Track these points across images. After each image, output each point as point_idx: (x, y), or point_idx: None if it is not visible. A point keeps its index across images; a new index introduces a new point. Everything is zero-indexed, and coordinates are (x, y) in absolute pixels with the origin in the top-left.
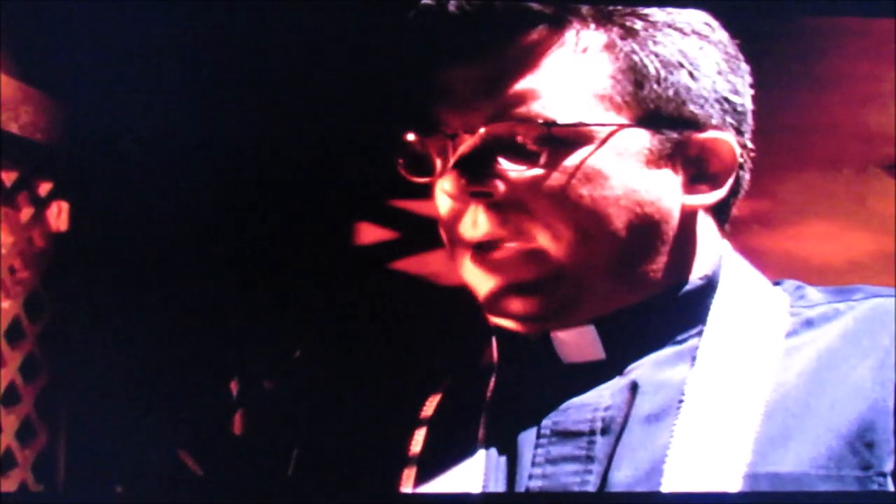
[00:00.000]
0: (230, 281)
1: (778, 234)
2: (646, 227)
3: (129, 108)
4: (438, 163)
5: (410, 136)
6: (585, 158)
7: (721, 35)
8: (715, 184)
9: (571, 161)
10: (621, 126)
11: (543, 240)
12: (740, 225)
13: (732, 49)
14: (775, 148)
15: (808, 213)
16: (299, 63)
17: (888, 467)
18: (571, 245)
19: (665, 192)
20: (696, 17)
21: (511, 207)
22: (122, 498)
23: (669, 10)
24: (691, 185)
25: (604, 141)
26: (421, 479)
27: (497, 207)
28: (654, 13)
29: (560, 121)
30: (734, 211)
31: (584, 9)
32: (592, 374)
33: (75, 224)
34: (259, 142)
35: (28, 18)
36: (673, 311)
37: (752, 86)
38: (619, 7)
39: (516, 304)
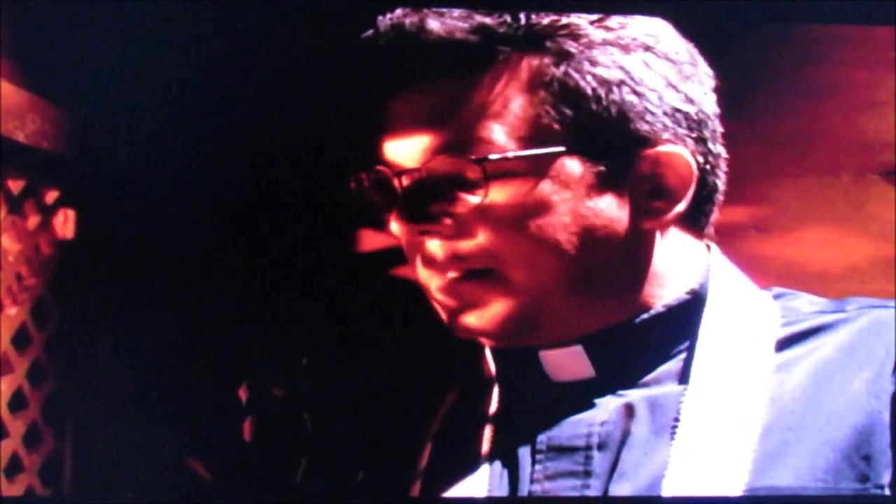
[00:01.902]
0: (238, 288)
1: (776, 241)
2: (601, 249)
3: (136, 117)
4: (387, 198)
5: (359, 174)
6: (527, 190)
7: (670, 44)
8: (674, 198)
9: (513, 193)
10: (560, 153)
11: (494, 265)
12: (739, 231)
13: (685, 56)
14: (774, 155)
15: (806, 220)
16: (303, 68)
17: (885, 479)
18: (522, 270)
19: (617, 212)
20: (642, 29)
21: (459, 239)
22: (128, 503)
23: (612, 24)
24: (649, 201)
25: (544, 169)
26: (426, 492)
27: (446, 240)
28: (593, 31)
29: (496, 153)
30: (715, 216)
31: (517, 37)
32: (586, 391)
33: (81, 231)
34: (268, 148)
35: (34, 27)
36: (661, 327)
37: (715, 89)
38: (555, 29)
39: (476, 325)
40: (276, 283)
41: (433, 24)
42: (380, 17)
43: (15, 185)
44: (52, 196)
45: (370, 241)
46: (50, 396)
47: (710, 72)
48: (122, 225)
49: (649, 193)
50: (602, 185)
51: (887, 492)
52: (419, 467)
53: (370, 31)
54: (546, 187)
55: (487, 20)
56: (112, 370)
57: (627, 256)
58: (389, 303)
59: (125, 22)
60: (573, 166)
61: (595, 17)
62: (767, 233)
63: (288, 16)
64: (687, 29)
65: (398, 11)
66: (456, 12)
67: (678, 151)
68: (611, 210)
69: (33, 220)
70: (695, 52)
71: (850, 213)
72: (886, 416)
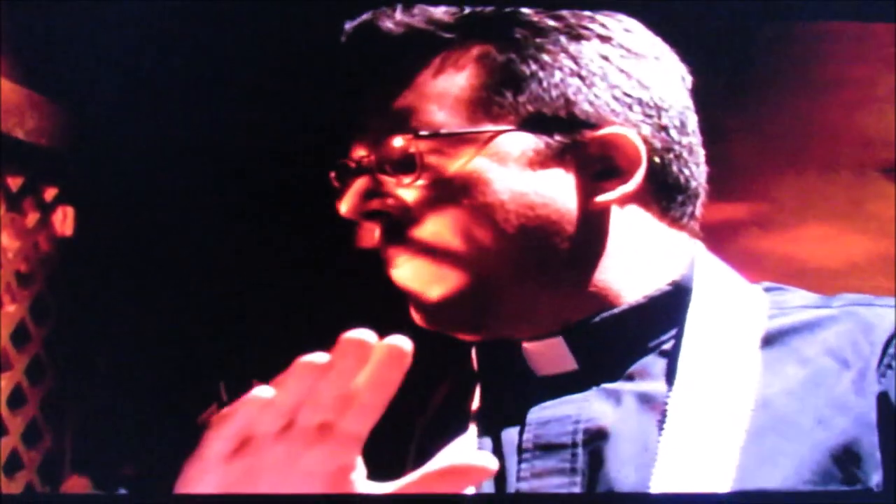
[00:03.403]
0: (234, 284)
1: (776, 237)
2: (547, 229)
3: (134, 114)
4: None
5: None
6: (462, 166)
7: (631, 38)
8: (623, 179)
9: (451, 171)
10: (497, 132)
11: (439, 251)
12: (738, 228)
13: (648, 50)
14: (773, 151)
15: (805, 216)
16: (300, 64)
17: (875, 481)
18: (466, 253)
19: (561, 192)
20: (600, 21)
21: (405, 223)
22: (126, 499)
23: (564, 14)
24: (597, 182)
25: (480, 147)
26: None
27: (393, 225)
28: (545, 21)
29: (430, 132)
30: (696, 211)
31: (464, 25)
32: (570, 385)
33: (80, 228)
34: (263, 145)
35: (33, 25)
36: (642, 318)
37: (691, 88)
38: (502, 18)
39: (433, 315)
40: (270, 279)
41: (385, 21)
42: (346, 22)
43: (14, 182)
44: (51, 193)
45: (361, 238)
46: (49, 393)
47: (681, 68)
48: (121, 222)
49: (597, 175)
50: (542, 164)
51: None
52: (407, 465)
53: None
54: (481, 165)
55: (437, 12)
56: (111, 366)
57: (579, 239)
58: (380, 300)
59: (123, 19)
60: (512, 145)
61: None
62: (767, 229)
63: (281, 16)
64: (686, 27)
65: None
66: (410, 9)
67: (624, 132)
68: (553, 190)
69: (32, 218)
70: (664, 48)
71: (850, 209)
72: (874, 417)
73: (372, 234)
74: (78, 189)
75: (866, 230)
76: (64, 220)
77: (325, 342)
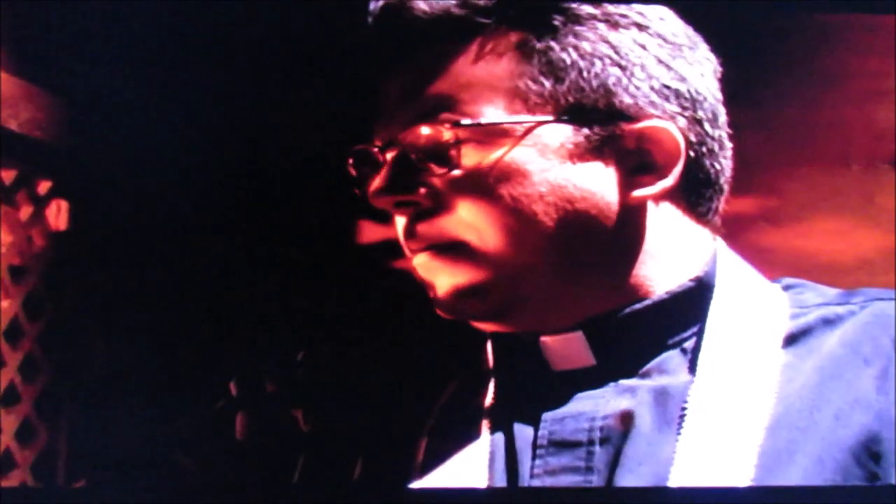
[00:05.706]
0: (232, 281)
1: (786, 232)
2: (583, 222)
3: (130, 106)
4: (375, 174)
5: (349, 152)
6: (501, 157)
7: (666, 26)
8: (661, 173)
9: (488, 161)
10: (538, 122)
11: (472, 241)
12: (747, 222)
13: (683, 39)
14: (783, 144)
15: (816, 210)
16: (301, 62)
17: (894, 479)
18: (501, 245)
19: (599, 185)
20: (637, 9)
21: (437, 212)
22: (122, 499)
23: (605, 3)
24: (634, 176)
25: (520, 138)
26: (424, 485)
27: (424, 213)
28: (582, 7)
29: (472, 121)
30: (721, 206)
31: (501, 10)
32: (587, 381)
33: (75, 223)
34: (264, 140)
35: (29, 16)
36: (663, 314)
37: (720, 77)
38: (540, 3)
39: (458, 305)
40: (271, 277)
41: (416, 2)
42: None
43: (7, 175)
44: (45, 186)
45: (368, 232)
46: (43, 391)
47: (712, 58)
48: (116, 216)
49: (635, 169)
50: (581, 156)
51: None
52: (416, 461)
53: (365, 15)
54: (521, 156)
55: None
56: (106, 363)
57: (614, 233)
58: (388, 295)
59: (120, 11)
60: (551, 136)
61: None
62: (776, 224)
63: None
64: (697, 17)
65: None
66: None
67: (664, 126)
68: (591, 183)
69: (26, 211)
70: (696, 37)
71: (861, 203)
72: (894, 413)
73: (381, 226)
74: (72, 182)
75: (877, 224)
76: (58, 214)
77: (334, 336)
